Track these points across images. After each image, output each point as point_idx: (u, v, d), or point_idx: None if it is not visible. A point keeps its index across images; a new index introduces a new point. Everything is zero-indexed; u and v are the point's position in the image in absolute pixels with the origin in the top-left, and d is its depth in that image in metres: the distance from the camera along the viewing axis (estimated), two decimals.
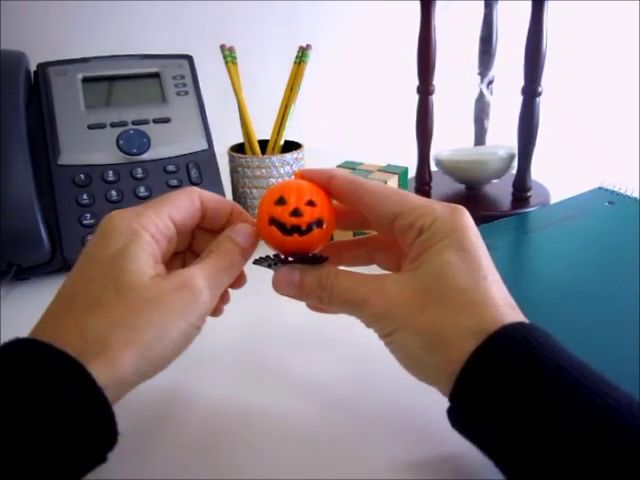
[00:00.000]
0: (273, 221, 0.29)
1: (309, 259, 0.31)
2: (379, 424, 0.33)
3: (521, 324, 0.27)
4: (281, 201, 0.29)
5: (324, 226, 0.30)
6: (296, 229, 0.29)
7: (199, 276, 0.28)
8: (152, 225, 0.29)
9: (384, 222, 0.30)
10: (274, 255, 0.31)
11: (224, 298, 0.33)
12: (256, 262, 0.32)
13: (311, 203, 0.29)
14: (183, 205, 0.31)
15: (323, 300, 0.30)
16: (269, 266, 0.32)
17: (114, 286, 0.27)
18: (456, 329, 0.27)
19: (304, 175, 0.32)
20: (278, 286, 0.31)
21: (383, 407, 0.35)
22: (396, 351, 0.29)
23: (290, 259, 0.31)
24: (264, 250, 0.32)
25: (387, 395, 0.36)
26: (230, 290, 0.33)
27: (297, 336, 0.42)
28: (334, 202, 0.32)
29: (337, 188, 0.31)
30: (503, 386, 0.25)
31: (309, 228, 0.29)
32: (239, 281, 0.33)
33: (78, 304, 0.27)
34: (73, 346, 0.25)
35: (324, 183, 0.31)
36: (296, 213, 0.29)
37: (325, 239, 0.31)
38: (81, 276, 0.28)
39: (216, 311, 0.33)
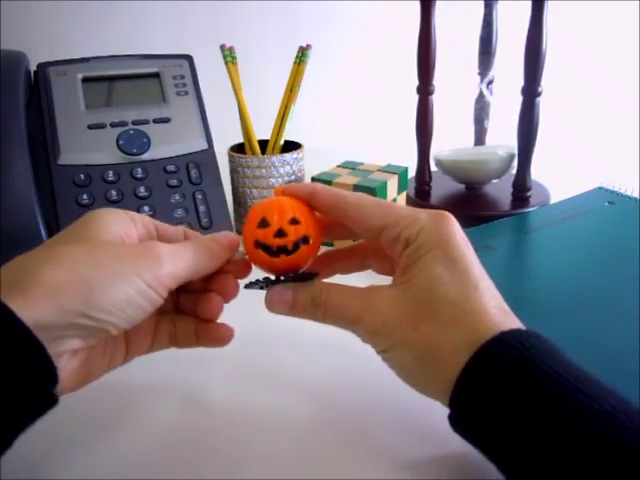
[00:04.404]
0: (258, 244, 0.29)
1: (299, 277, 0.31)
2: (379, 424, 0.33)
3: (517, 330, 0.26)
4: (264, 223, 0.29)
5: (310, 242, 0.30)
6: (282, 249, 0.29)
7: (163, 247, 0.28)
8: (131, 211, 0.30)
9: (370, 235, 0.30)
10: (264, 278, 0.31)
11: (232, 288, 0.33)
12: (247, 286, 0.32)
13: (295, 221, 0.29)
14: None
15: (317, 317, 0.30)
16: (261, 288, 0.31)
17: (74, 238, 0.27)
18: (449, 343, 0.26)
19: (285, 191, 0.31)
20: (272, 306, 0.31)
21: (383, 407, 0.35)
22: (392, 366, 0.29)
23: (281, 278, 0.31)
24: (254, 274, 0.32)
25: (387, 395, 0.35)
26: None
27: (295, 337, 0.42)
28: (318, 215, 0.31)
29: (320, 203, 0.31)
30: (500, 392, 0.25)
31: (296, 246, 0.29)
32: (230, 292, 0.33)
33: (37, 254, 0.27)
34: (5, 282, 0.24)
35: (306, 199, 0.31)
36: (280, 234, 0.29)
37: (313, 254, 0.31)
38: (50, 240, 0.29)
39: (219, 338, 0.33)
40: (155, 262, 0.27)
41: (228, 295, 0.33)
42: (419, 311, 0.27)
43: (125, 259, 0.27)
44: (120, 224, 0.29)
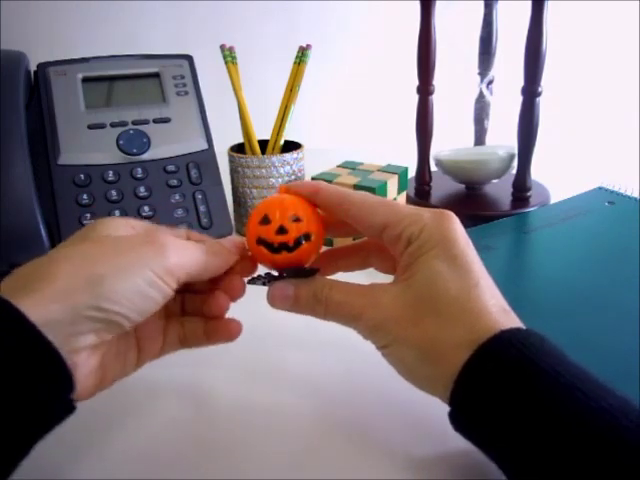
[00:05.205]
0: (260, 241, 0.30)
1: (301, 273, 0.31)
2: (380, 423, 0.33)
3: (517, 329, 0.27)
4: (265, 220, 0.30)
5: (312, 239, 0.30)
6: (284, 246, 0.29)
7: (167, 237, 0.29)
8: (134, 221, 0.31)
9: (373, 233, 0.30)
10: (266, 273, 0.32)
11: (238, 287, 0.33)
12: (250, 282, 0.32)
13: (296, 218, 0.30)
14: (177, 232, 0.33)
15: (318, 313, 0.30)
16: (263, 284, 0.32)
17: (81, 240, 0.28)
18: (450, 340, 0.27)
19: (289, 190, 0.32)
20: (274, 301, 0.31)
21: (383, 406, 0.35)
22: (393, 362, 0.29)
23: (283, 274, 0.31)
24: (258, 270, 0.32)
25: (387, 394, 0.35)
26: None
27: (296, 335, 0.42)
28: (320, 212, 0.32)
29: (323, 202, 0.31)
30: (500, 391, 0.25)
31: (297, 243, 0.29)
32: (237, 291, 0.33)
33: (46, 256, 0.27)
34: (9, 284, 0.25)
35: (309, 196, 0.31)
36: (282, 231, 0.29)
37: (315, 251, 0.31)
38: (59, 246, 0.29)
39: (228, 333, 0.33)
40: (160, 251, 0.28)
41: (234, 294, 0.33)
42: (420, 307, 0.28)
43: (131, 250, 0.27)
44: (123, 227, 0.30)
